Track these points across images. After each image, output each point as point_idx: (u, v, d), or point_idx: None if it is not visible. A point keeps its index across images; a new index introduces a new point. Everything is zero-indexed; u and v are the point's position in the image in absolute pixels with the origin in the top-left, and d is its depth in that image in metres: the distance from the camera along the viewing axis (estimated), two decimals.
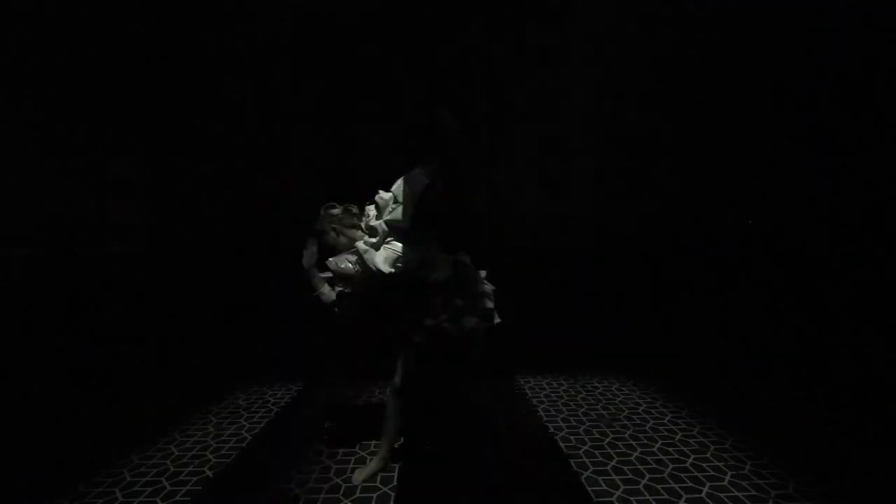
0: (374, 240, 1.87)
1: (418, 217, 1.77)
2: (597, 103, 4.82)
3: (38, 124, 4.36)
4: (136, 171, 4.95)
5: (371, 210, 1.97)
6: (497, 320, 1.98)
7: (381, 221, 1.87)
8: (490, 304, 1.95)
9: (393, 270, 1.80)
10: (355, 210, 2.06)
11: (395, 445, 2.05)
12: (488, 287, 1.99)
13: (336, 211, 2.03)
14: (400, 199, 1.77)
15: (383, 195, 1.88)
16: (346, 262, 1.91)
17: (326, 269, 2.02)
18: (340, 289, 1.98)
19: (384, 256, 1.81)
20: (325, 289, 2.02)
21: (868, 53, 3.90)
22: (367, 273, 1.86)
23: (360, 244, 1.87)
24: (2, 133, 4.07)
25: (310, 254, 2.03)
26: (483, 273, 1.99)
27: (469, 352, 1.89)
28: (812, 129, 4.58)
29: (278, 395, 2.99)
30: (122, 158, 4.90)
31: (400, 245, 1.82)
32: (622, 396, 2.92)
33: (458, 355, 1.90)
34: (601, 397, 2.92)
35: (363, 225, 1.99)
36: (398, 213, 1.77)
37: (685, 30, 4.82)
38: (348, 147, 5.19)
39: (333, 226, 2.01)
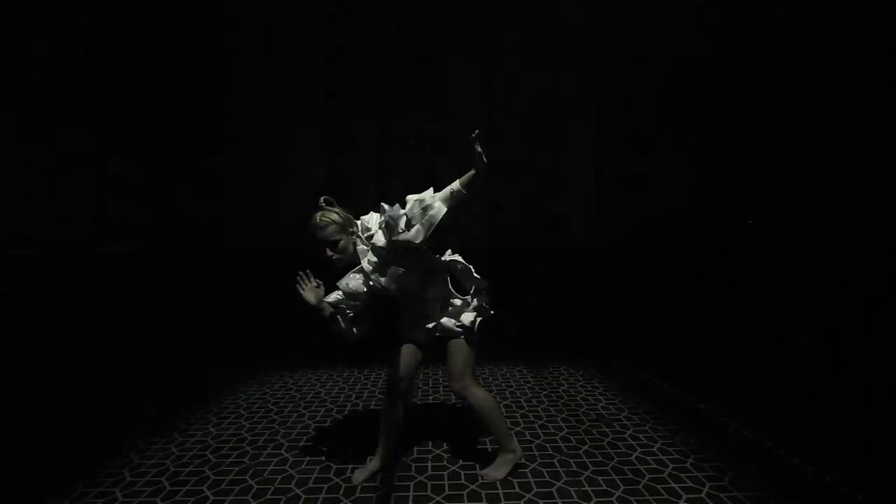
0: (376, 259, 1.84)
1: (429, 237, 1.75)
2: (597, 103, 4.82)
3: (39, 125, 4.36)
4: (136, 171, 4.96)
5: (372, 224, 1.88)
6: (491, 312, 1.99)
7: (385, 242, 1.82)
8: (485, 300, 1.96)
9: (397, 285, 1.84)
10: (352, 217, 1.97)
11: (394, 445, 2.05)
12: (482, 283, 1.99)
13: (333, 210, 1.89)
14: (413, 221, 1.73)
15: (392, 213, 1.77)
16: (355, 281, 1.88)
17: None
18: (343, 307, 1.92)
19: (389, 273, 1.83)
20: (336, 317, 1.90)
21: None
22: (375, 290, 1.88)
23: (366, 264, 1.86)
24: (2, 134, 4.07)
25: (314, 288, 1.85)
26: (471, 268, 1.99)
27: (467, 347, 1.90)
28: (810, 129, 4.57)
29: (279, 395, 2.99)
30: (123, 158, 4.90)
31: (403, 261, 1.83)
32: (622, 396, 2.92)
33: (456, 352, 1.90)
34: (601, 397, 2.92)
35: (363, 238, 1.90)
36: (410, 235, 1.71)
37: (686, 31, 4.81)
38: (346, 147, 5.19)
39: (353, 229, 1.88)
